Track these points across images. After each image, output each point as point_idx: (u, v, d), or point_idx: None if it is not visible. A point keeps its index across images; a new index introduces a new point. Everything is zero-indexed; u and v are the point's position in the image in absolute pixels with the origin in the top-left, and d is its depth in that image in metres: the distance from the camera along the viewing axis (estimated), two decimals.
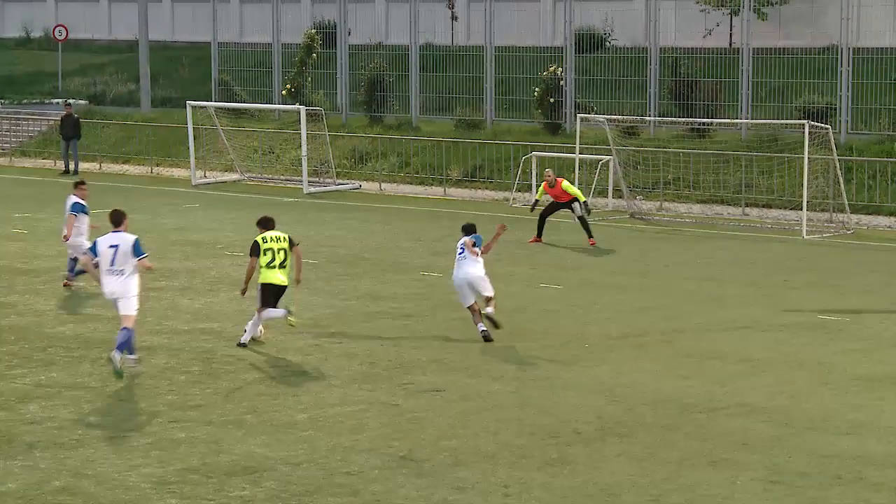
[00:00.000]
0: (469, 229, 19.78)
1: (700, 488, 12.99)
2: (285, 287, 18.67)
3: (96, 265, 17.39)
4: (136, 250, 17.22)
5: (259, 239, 18.58)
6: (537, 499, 12.73)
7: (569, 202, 28.13)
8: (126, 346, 17.07)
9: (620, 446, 14.25)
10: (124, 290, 17.22)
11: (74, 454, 13.86)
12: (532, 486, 13.02)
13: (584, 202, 28.41)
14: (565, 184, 28.29)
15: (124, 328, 17.11)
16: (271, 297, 18.61)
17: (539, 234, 28.13)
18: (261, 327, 18.87)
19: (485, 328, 19.12)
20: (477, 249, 19.31)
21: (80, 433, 14.57)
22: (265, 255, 18.44)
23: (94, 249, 17.51)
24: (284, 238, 18.66)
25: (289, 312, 18.58)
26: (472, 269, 19.29)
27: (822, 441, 14.46)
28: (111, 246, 17.26)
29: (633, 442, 14.40)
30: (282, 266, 18.50)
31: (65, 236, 22.47)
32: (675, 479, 13.23)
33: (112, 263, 17.21)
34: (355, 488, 12.94)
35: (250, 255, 18.59)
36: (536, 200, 29.05)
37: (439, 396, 16.18)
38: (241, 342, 18.60)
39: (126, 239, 17.30)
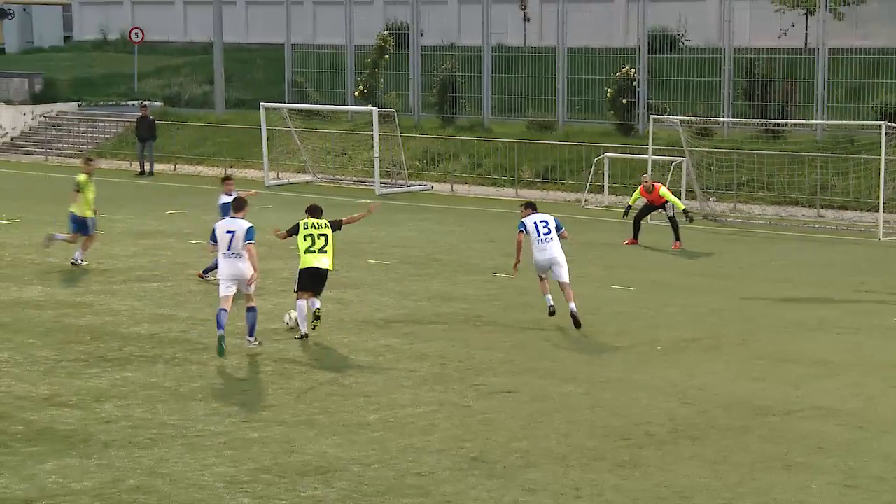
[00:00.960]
0: (533, 205, 20.88)
1: (774, 492, 12.87)
2: (326, 271, 19.12)
3: (214, 250, 18.57)
4: (248, 236, 18.13)
5: (301, 223, 19.19)
6: (609, 501, 12.68)
7: (663, 204, 27.95)
8: (253, 329, 18.38)
9: (693, 449, 14.16)
10: (241, 273, 18.14)
11: (149, 453, 13.99)
12: (604, 489, 12.97)
13: (685, 209, 28.32)
14: (663, 190, 28.08)
15: (249, 309, 18.34)
16: (309, 282, 19.07)
17: (635, 236, 27.99)
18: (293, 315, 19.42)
19: (553, 303, 20.11)
20: (565, 233, 20.68)
21: (155, 432, 14.71)
22: (305, 240, 19.03)
23: (213, 236, 18.45)
24: (326, 224, 19.23)
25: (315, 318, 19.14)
26: (557, 252, 20.30)
27: None
28: (228, 231, 18.26)
29: (705, 444, 14.31)
30: (322, 251, 19.02)
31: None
32: (749, 483, 13.12)
33: (229, 248, 18.20)
34: (426, 489, 12.96)
35: (285, 230, 19.40)
36: (629, 206, 28.72)
37: (511, 398, 16.16)
38: (303, 333, 19.05)
39: (241, 225, 18.23)
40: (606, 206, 34.33)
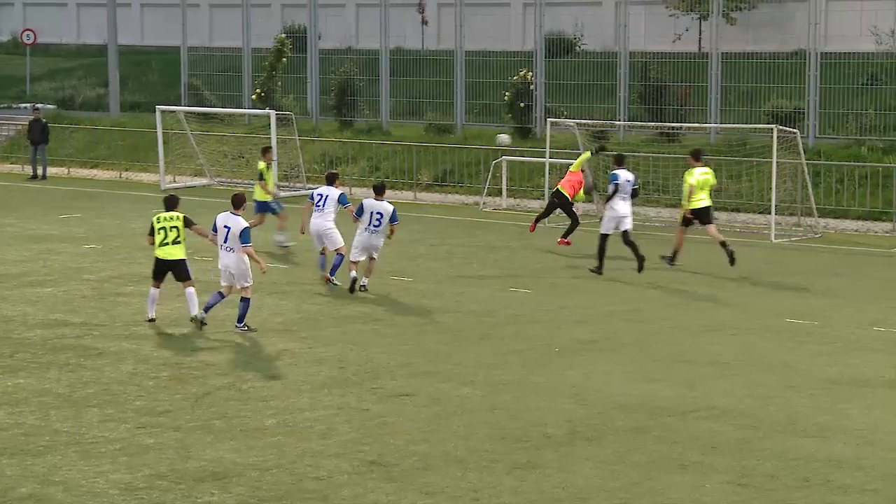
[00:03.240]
0: (381, 190, 22.68)
1: (669, 492, 13.02)
2: (180, 260, 20.06)
3: (213, 240, 19.81)
4: (243, 237, 19.33)
5: (154, 219, 20.17)
6: (506, 503, 12.73)
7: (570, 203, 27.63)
8: (243, 317, 19.59)
9: (590, 450, 14.27)
10: (236, 265, 19.47)
11: (41, 461, 13.78)
12: (501, 491, 13.02)
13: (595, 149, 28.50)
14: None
15: (242, 299, 19.57)
16: (162, 271, 20.14)
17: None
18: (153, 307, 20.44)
19: (356, 276, 22.51)
20: (395, 228, 22.75)
21: (48, 440, 14.49)
22: (159, 233, 20.02)
23: (214, 226, 19.68)
24: (178, 217, 20.12)
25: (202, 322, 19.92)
26: (377, 242, 22.51)
27: (790, 444, 14.53)
28: (225, 226, 19.53)
29: (602, 445, 14.43)
30: (175, 242, 20.03)
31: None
32: (645, 483, 13.25)
33: (224, 241, 19.49)
34: (324, 493, 12.92)
35: (147, 235, 20.35)
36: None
37: (409, 401, 16.17)
38: (149, 316, 20.17)
39: (238, 223, 19.44)
40: (504, 209, 34.49)
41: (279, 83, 44.39)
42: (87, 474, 13.36)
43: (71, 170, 42.76)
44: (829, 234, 30.53)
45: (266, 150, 28.45)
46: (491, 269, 25.40)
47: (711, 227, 25.76)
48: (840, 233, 30.89)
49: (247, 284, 19.58)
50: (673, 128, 36.19)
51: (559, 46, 42.74)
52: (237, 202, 19.69)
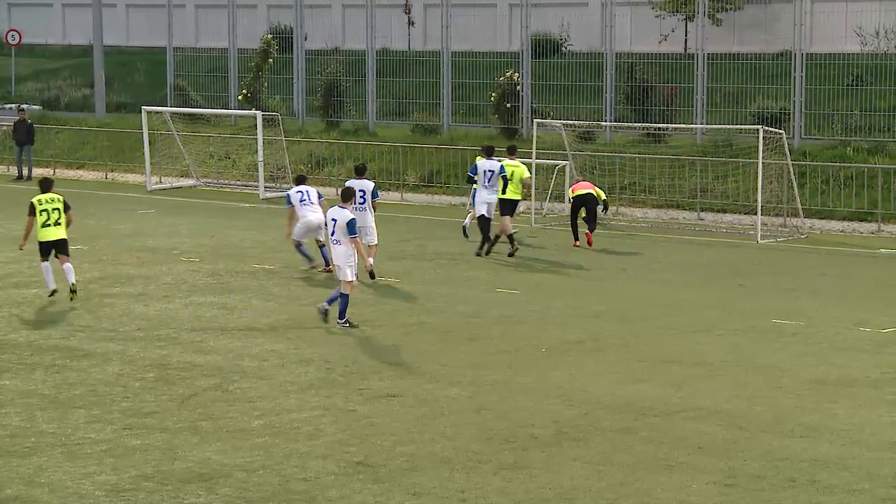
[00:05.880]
0: (362, 171, 24.01)
1: (656, 492, 13.04)
2: (63, 240, 21.59)
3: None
4: (350, 229, 19.74)
5: (35, 201, 21.41)
6: None
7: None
8: (342, 309, 19.90)
9: (576, 450, 14.29)
10: (343, 258, 19.81)
11: (27, 462, 13.75)
12: (488, 492, 13.03)
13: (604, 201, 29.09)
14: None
15: (342, 294, 19.87)
16: (48, 250, 21.48)
17: (576, 237, 28.18)
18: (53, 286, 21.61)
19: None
20: (375, 203, 23.85)
21: (33, 441, 14.46)
22: (41, 215, 21.34)
23: (325, 221, 20.67)
24: (59, 199, 21.56)
25: (54, 292, 21.51)
26: (366, 220, 23.27)
27: (777, 444, 14.55)
28: (332, 219, 20.02)
29: (589, 446, 14.44)
30: (56, 223, 21.44)
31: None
32: (631, 483, 13.27)
33: (332, 234, 19.97)
34: (311, 494, 12.92)
35: (28, 216, 21.57)
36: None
37: (396, 402, 16.17)
38: (52, 289, 21.50)
39: (344, 216, 19.86)
40: None
41: (265, 84, 44.37)
42: (73, 475, 13.34)
43: (56, 170, 42.63)
44: (815, 235, 30.60)
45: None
46: (478, 270, 25.40)
47: (507, 218, 26.89)
48: (825, 233, 30.96)
49: (349, 279, 19.83)
50: (659, 128, 36.23)
51: (545, 47, 42.78)
52: (346, 196, 20.32)
